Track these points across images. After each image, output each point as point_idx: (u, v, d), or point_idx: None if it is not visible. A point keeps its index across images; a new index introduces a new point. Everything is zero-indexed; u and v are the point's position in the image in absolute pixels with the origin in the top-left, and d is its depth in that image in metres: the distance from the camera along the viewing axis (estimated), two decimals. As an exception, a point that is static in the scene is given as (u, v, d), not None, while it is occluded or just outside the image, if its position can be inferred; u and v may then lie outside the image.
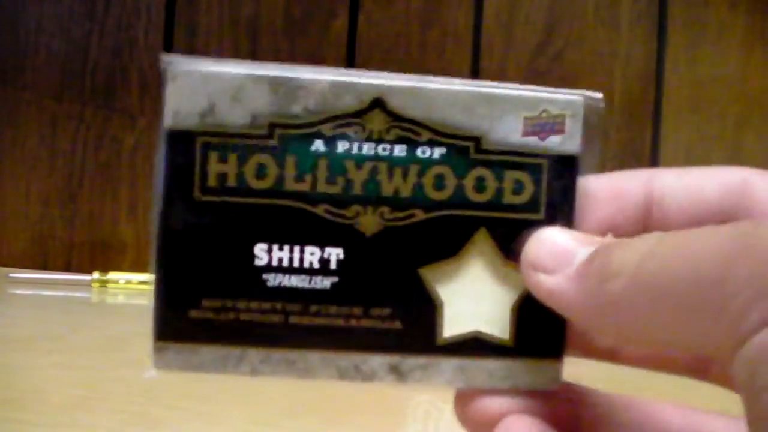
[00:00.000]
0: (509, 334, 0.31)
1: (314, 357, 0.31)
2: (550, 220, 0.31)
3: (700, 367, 0.33)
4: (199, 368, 0.30)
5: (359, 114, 0.31)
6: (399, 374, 0.31)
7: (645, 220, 0.31)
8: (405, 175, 0.31)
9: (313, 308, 0.31)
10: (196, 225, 0.30)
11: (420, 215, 0.31)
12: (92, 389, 0.51)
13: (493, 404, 0.31)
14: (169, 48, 0.77)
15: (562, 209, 0.31)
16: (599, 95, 0.32)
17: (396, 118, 0.31)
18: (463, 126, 0.31)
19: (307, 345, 0.31)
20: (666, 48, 0.82)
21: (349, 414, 0.49)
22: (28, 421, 0.42)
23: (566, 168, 0.31)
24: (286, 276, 0.31)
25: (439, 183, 0.31)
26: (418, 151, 0.31)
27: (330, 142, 0.31)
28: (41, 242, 0.82)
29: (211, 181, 0.31)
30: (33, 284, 0.79)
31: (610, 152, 0.77)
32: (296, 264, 0.31)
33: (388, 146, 0.31)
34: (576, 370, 0.32)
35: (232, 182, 0.31)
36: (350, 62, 0.79)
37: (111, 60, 0.76)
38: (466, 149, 0.31)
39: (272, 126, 0.31)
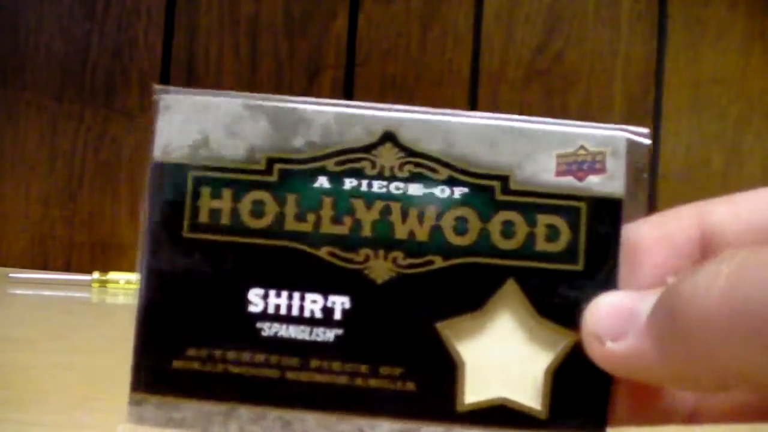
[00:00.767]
0: (542, 403, 0.27)
1: (312, 419, 0.26)
2: (591, 272, 0.26)
3: None
4: (180, 425, 0.26)
5: (368, 148, 0.27)
6: None
7: (704, 259, 0.26)
8: (421, 217, 0.27)
9: (314, 363, 0.26)
10: (184, 265, 0.26)
11: (438, 262, 0.27)
12: (92, 389, 0.48)
13: None
14: (168, 48, 0.75)
15: (604, 259, 0.27)
16: (645, 130, 0.27)
17: (410, 153, 0.27)
18: (487, 163, 0.27)
19: (305, 405, 0.26)
20: (666, 48, 0.78)
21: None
22: (28, 421, 0.40)
23: (608, 212, 0.27)
24: (284, 326, 0.27)
25: (461, 226, 0.27)
26: (437, 191, 0.27)
27: (336, 178, 0.27)
28: (41, 242, 0.80)
29: (203, 218, 0.27)
30: (33, 284, 0.76)
31: None
32: (295, 312, 0.27)
33: (401, 184, 0.27)
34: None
35: (225, 220, 0.27)
36: (350, 62, 0.76)
37: (111, 60, 0.73)
38: (491, 189, 0.27)
39: (271, 161, 0.27)
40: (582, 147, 0.27)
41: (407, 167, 0.27)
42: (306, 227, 0.26)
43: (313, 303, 0.26)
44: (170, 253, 0.26)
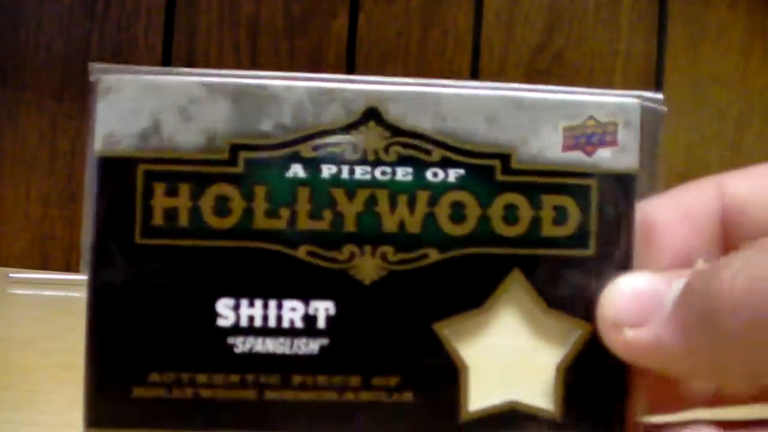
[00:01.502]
0: (555, 403, 0.23)
1: None
2: (604, 257, 0.23)
3: None
4: None
5: (349, 129, 0.22)
6: None
7: (727, 239, 0.24)
8: (412, 205, 0.22)
9: (296, 380, 0.22)
10: (139, 277, 0.22)
11: (434, 256, 0.22)
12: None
13: None
14: (168, 48, 0.72)
15: (617, 242, 0.23)
16: (659, 96, 0.23)
17: (397, 131, 0.22)
18: (485, 140, 0.22)
19: (290, 428, 0.22)
20: (666, 47, 0.75)
21: None
22: (28, 421, 0.38)
23: (621, 190, 0.23)
24: (260, 339, 0.22)
25: (458, 214, 0.22)
26: (428, 174, 0.22)
27: (312, 165, 0.22)
28: (41, 242, 0.76)
29: (157, 220, 0.22)
30: (33, 284, 0.73)
31: None
32: (272, 324, 0.22)
33: (388, 169, 0.22)
34: None
35: (184, 221, 0.22)
36: (350, 62, 0.75)
37: (111, 60, 0.69)
38: (490, 170, 0.22)
39: (235, 148, 0.22)
40: (591, 117, 0.23)
41: (394, 149, 0.22)
42: (279, 224, 0.22)
43: (293, 311, 0.22)
44: (122, 263, 0.22)
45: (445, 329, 0.22)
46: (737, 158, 0.73)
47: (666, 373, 0.22)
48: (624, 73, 0.75)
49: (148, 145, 0.22)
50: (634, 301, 0.22)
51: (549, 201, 0.22)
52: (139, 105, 0.22)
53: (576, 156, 0.22)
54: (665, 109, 0.23)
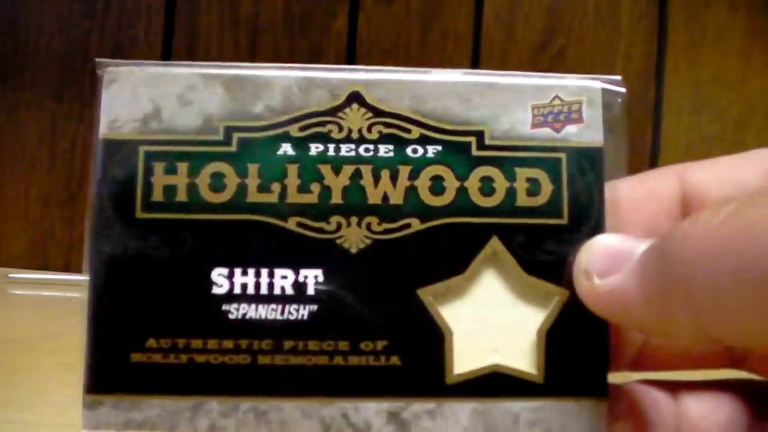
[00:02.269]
0: (537, 367, 0.24)
1: (290, 406, 0.23)
2: (576, 225, 0.24)
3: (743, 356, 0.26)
4: (143, 426, 0.23)
5: (334, 111, 0.24)
6: (401, 424, 0.23)
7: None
8: (394, 179, 0.24)
9: (288, 345, 0.23)
10: (139, 248, 0.23)
11: (416, 225, 0.24)
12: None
13: None
14: (168, 48, 0.73)
15: (589, 211, 0.24)
16: (618, 78, 0.25)
17: (378, 113, 0.24)
18: (460, 119, 0.24)
19: (281, 392, 0.23)
20: (666, 48, 0.76)
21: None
22: (28, 421, 0.38)
23: (589, 162, 0.24)
24: (252, 306, 0.23)
25: (437, 186, 0.24)
26: (408, 150, 0.24)
27: (300, 144, 0.24)
28: (41, 242, 0.76)
29: (157, 196, 0.23)
30: (33, 284, 0.73)
31: None
32: (264, 291, 0.23)
33: (371, 146, 0.24)
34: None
35: (182, 196, 0.24)
36: (350, 62, 0.75)
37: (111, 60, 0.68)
38: (466, 145, 0.24)
39: (229, 129, 0.24)
40: (557, 97, 0.25)
41: (376, 128, 0.24)
42: (271, 198, 0.24)
43: (284, 279, 0.23)
44: (123, 236, 0.23)
45: (429, 295, 0.23)
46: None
47: (626, 326, 0.23)
48: (624, 74, 0.76)
49: (148, 129, 0.24)
50: (607, 255, 0.23)
51: (522, 173, 0.24)
52: (140, 93, 0.24)
53: (545, 132, 0.24)
54: (624, 90, 0.25)
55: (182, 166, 0.23)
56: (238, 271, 0.23)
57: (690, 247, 0.20)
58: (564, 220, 0.24)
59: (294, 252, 0.23)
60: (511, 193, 0.24)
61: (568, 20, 0.74)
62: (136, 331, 0.23)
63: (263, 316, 0.23)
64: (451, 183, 0.24)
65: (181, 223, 0.23)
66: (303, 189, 0.23)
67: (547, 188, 0.24)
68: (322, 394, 0.23)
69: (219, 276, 0.23)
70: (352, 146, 0.24)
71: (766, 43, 0.74)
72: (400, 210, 0.24)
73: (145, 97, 0.24)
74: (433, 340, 0.23)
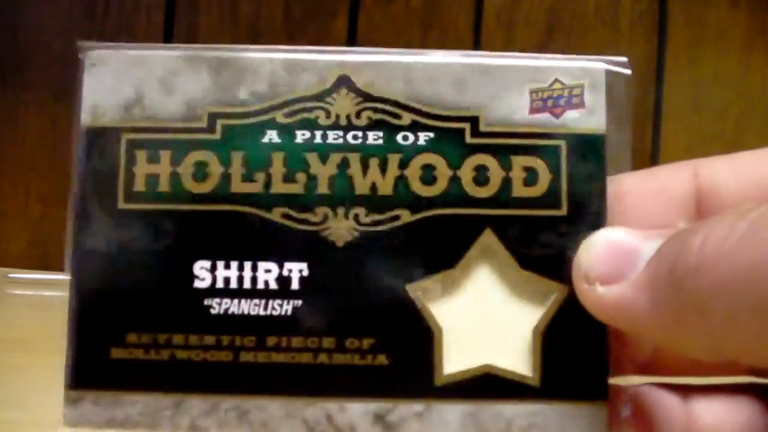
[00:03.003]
0: (533, 369, 0.22)
1: (272, 406, 0.22)
2: (576, 216, 0.23)
3: None
4: (124, 424, 0.22)
5: (322, 96, 0.23)
6: (387, 426, 0.22)
7: (700, 217, 0.23)
8: (383, 168, 0.23)
9: (271, 341, 0.22)
10: (121, 240, 0.22)
11: (405, 217, 0.23)
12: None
13: None
14: None
15: (590, 202, 0.23)
16: (624, 59, 0.24)
17: (367, 97, 0.23)
18: (454, 104, 0.23)
19: (264, 390, 0.22)
20: (666, 47, 0.75)
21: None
22: (29, 421, 0.38)
23: (591, 150, 0.23)
24: (235, 301, 0.22)
25: (428, 175, 0.23)
26: (399, 138, 0.23)
27: (286, 131, 0.23)
28: (41, 242, 0.75)
29: (139, 186, 0.23)
30: (33, 284, 0.73)
31: None
32: (247, 285, 0.22)
33: (359, 133, 0.23)
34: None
35: (164, 186, 0.23)
36: None
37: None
38: (460, 132, 0.23)
39: (213, 116, 0.23)
40: (557, 80, 0.23)
41: (365, 114, 0.23)
42: (255, 188, 0.23)
43: (267, 273, 0.22)
44: (104, 227, 0.23)
45: (418, 291, 0.22)
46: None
47: (635, 335, 0.22)
48: (623, 73, 0.76)
49: (131, 116, 0.23)
50: (609, 256, 0.21)
51: (519, 162, 0.23)
52: (122, 78, 0.23)
53: (544, 118, 0.23)
54: (629, 72, 0.23)
55: (165, 155, 0.23)
56: (220, 264, 0.22)
57: (706, 275, 0.18)
58: (563, 212, 0.23)
59: (278, 245, 0.22)
60: (506, 182, 0.23)
61: (568, 20, 0.74)
62: (117, 326, 0.22)
63: (246, 312, 0.22)
64: (443, 172, 0.23)
65: (163, 214, 0.23)
66: (288, 178, 0.23)
67: (545, 178, 0.23)
68: (306, 394, 0.22)
69: (201, 269, 0.22)
70: (340, 133, 0.23)
71: (767, 43, 0.73)
72: (389, 201, 0.23)
73: (127, 82, 0.23)
74: (422, 338, 0.22)
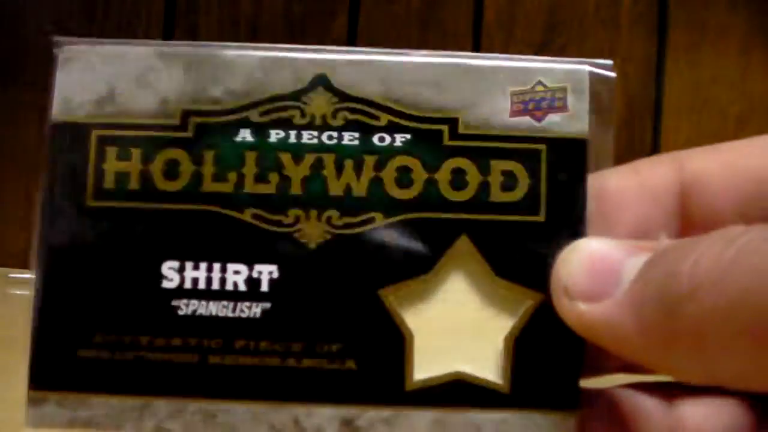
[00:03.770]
0: (503, 377, 0.22)
1: (239, 410, 0.22)
2: (555, 223, 0.22)
3: None
4: (88, 425, 0.22)
5: (297, 95, 0.22)
6: (355, 431, 0.23)
7: (685, 213, 0.23)
8: (358, 169, 0.22)
9: (239, 344, 0.22)
10: (88, 238, 0.22)
11: (379, 220, 0.22)
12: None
13: None
14: None
15: (569, 209, 0.22)
16: (609, 62, 0.23)
17: (344, 97, 0.23)
18: (432, 105, 0.23)
19: (230, 394, 0.22)
20: (666, 48, 0.75)
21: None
22: None
23: (572, 155, 0.22)
24: (203, 302, 0.22)
25: (404, 178, 0.22)
26: (375, 139, 0.22)
27: (260, 130, 0.22)
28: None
29: (108, 183, 0.22)
30: (33, 284, 0.69)
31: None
32: (216, 286, 0.22)
33: (335, 133, 0.22)
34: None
35: (134, 184, 0.22)
36: None
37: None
38: (437, 134, 0.22)
39: (186, 113, 0.22)
40: (539, 83, 0.23)
41: (341, 114, 0.23)
42: (226, 188, 0.22)
43: (236, 274, 0.22)
44: (72, 224, 0.22)
45: (390, 296, 0.22)
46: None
47: (615, 353, 0.21)
48: (624, 73, 0.76)
49: (102, 111, 0.23)
50: (590, 271, 0.21)
51: (497, 166, 0.22)
52: (96, 74, 0.23)
53: (525, 121, 0.23)
54: (614, 75, 0.23)
55: (136, 152, 0.22)
56: (189, 264, 0.22)
57: (700, 301, 0.18)
58: (541, 218, 0.22)
59: (248, 246, 0.22)
60: (484, 187, 0.22)
61: (568, 20, 0.74)
62: (84, 326, 0.22)
63: (214, 313, 0.22)
64: (420, 175, 0.22)
65: (132, 213, 0.22)
66: (261, 178, 0.22)
67: (524, 183, 0.22)
68: (273, 398, 0.22)
69: (169, 269, 0.22)
70: (315, 133, 0.22)
71: (767, 43, 0.73)
72: (363, 203, 0.22)
73: (101, 78, 0.23)
74: (392, 343, 0.22)
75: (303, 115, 0.22)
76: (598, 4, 0.74)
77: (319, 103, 0.22)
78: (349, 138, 0.22)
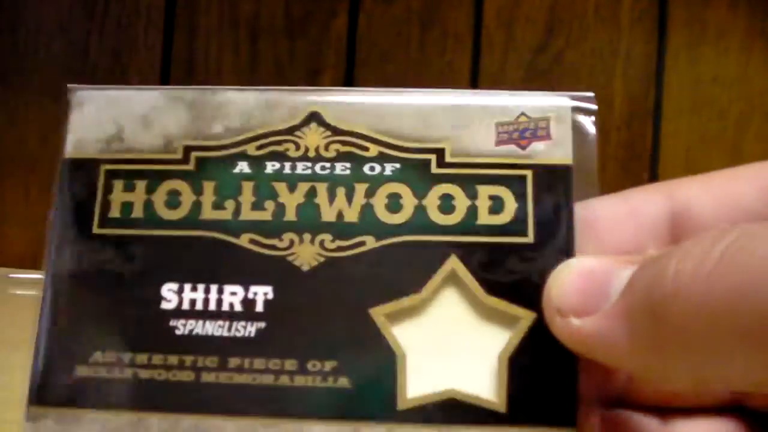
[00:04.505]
0: (498, 394, 0.22)
1: (232, 426, 0.22)
2: (543, 244, 0.23)
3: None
4: None
5: (292, 130, 0.24)
6: None
7: (674, 240, 0.23)
8: (350, 196, 0.24)
9: (233, 362, 0.23)
10: (92, 262, 0.23)
11: (370, 243, 0.23)
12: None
13: None
14: (168, 48, 0.74)
15: (557, 230, 0.23)
16: (590, 94, 0.24)
17: (336, 131, 0.24)
18: (420, 137, 0.24)
19: (223, 410, 0.22)
20: (666, 47, 0.76)
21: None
22: None
23: (558, 180, 0.23)
24: (200, 322, 0.23)
25: (394, 204, 0.23)
26: (366, 168, 0.24)
27: (256, 163, 0.24)
28: (41, 242, 0.72)
29: (114, 212, 0.24)
30: (33, 284, 0.71)
31: (610, 152, 0.72)
32: (212, 307, 0.23)
33: (327, 164, 0.24)
34: None
35: (138, 213, 0.24)
36: (350, 62, 0.75)
37: (111, 60, 0.73)
38: (426, 163, 0.24)
39: (188, 149, 0.24)
40: (523, 114, 0.24)
41: (334, 146, 0.24)
42: (224, 215, 0.24)
43: (233, 295, 0.23)
44: (78, 250, 0.24)
45: (382, 315, 0.23)
46: (738, 159, 0.73)
47: (610, 366, 0.21)
48: (624, 73, 0.76)
49: (111, 149, 0.24)
50: (581, 287, 0.21)
51: (484, 191, 0.23)
52: (105, 115, 0.25)
53: (510, 149, 0.24)
54: (595, 107, 0.24)
55: (140, 184, 0.24)
56: (187, 286, 0.23)
57: (684, 302, 0.18)
58: (529, 239, 0.23)
59: (245, 268, 0.23)
60: (471, 210, 0.23)
61: (568, 20, 0.75)
62: (84, 344, 0.23)
63: (210, 333, 0.23)
64: (409, 201, 0.23)
65: (135, 239, 0.24)
66: (257, 206, 0.23)
67: (511, 206, 0.23)
68: (266, 415, 0.22)
69: (168, 291, 0.23)
70: (309, 164, 0.24)
71: (767, 43, 0.74)
72: (354, 228, 0.23)
73: (110, 118, 0.25)
74: (384, 362, 0.23)
75: (297, 148, 0.24)
76: (598, 4, 0.75)
77: (312, 137, 0.24)
78: (341, 168, 0.23)
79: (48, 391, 0.23)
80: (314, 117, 0.24)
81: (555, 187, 0.23)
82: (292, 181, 0.23)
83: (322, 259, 0.23)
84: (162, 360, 0.23)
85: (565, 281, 0.21)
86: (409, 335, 0.23)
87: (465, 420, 0.22)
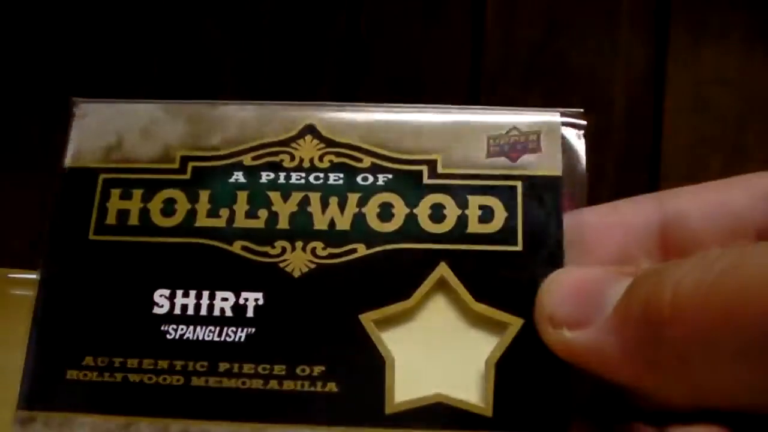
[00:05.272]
0: (485, 400, 0.22)
1: (222, 431, 0.22)
2: (533, 252, 0.23)
3: None
4: None
5: (287, 142, 0.25)
6: None
7: (663, 249, 0.23)
8: (342, 206, 0.24)
9: (223, 367, 0.23)
10: (86, 268, 0.24)
11: (361, 250, 0.23)
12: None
13: None
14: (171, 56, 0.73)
15: (546, 240, 0.23)
16: (579, 110, 0.25)
17: (331, 143, 0.25)
18: (413, 149, 0.25)
19: (212, 415, 0.22)
20: (667, 48, 0.75)
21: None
22: None
23: (547, 191, 0.24)
24: (190, 327, 0.23)
25: (386, 213, 0.24)
26: (359, 179, 0.24)
27: (252, 173, 0.25)
28: (41, 243, 0.72)
29: (110, 220, 0.24)
30: (33, 284, 0.69)
31: (611, 153, 0.71)
32: (203, 312, 0.23)
33: (321, 174, 0.24)
34: None
35: (134, 220, 0.24)
36: (350, 62, 0.74)
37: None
38: (417, 174, 0.24)
39: (186, 159, 0.25)
40: (514, 128, 0.24)
41: (328, 157, 0.25)
42: (218, 223, 0.24)
43: (224, 301, 0.23)
44: (74, 256, 0.24)
45: (370, 320, 0.23)
46: (738, 160, 0.73)
47: (607, 378, 0.21)
48: (624, 73, 0.76)
49: (110, 158, 0.25)
50: (573, 298, 0.21)
51: (475, 201, 0.24)
52: (106, 126, 0.25)
53: (501, 161, 0.24)
54: (585, 122, 0.25)
55: (137, 193, 0.24)
56: (179, 292, 0.24)
57: (683, 324, 0.18)
58: (518, 247, 0.23)
59: (236, 275, 0.24)
60: (462, 219, 0.24)
61: (568, 20, 0.75)
62: (76, 349, 0.23)
63: (200, 337, 0.23)
64: (400, 210, 0.24)
65: (129, 246, 0.24)
66: (251, 214, 0.24)
67: (500, 215, 0.24)
68: (255, 419, 0.22)
69: (161, 297, 0.24)
70: (303, 174, 0.24)
71: (767, 43, 0.74)
72: (346, 235, 0.24)
73: (110, 129, 0.25)
74: (373, 367, 0.23)
75: (292, 158, 0.24)
76: (598, 4, 0.75)
77: (307, 148, 0.24)
78: (335, 178, 0.24)
79: (37, 394, 0.23)
80: (309, 130, 0.25)
81: (544, 198, 0.24)
82: (286, 191, 0.24)
83: (313, 266, 0.23)
84: (152, 364, 0.23)
85: (558, 291, 0.22)
86: (398, 340, 0.23)
87: (452, 424, 0.22)
